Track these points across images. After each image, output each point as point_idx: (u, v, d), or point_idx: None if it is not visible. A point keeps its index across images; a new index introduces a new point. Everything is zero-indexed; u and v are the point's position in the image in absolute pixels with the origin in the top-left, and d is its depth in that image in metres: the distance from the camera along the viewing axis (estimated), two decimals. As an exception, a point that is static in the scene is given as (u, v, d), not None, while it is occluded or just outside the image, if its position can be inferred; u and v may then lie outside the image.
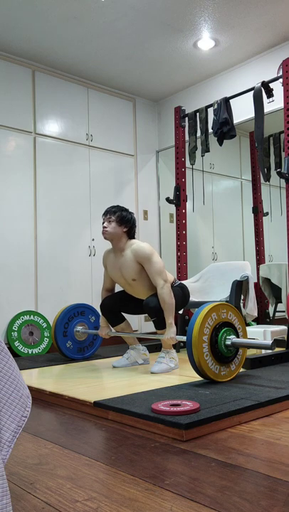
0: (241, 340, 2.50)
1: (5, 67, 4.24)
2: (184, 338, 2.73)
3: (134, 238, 3.16)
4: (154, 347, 3.92)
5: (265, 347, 2.45)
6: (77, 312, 3.58)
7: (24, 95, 4.35)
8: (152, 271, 2.98)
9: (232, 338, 2.50)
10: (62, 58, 4.37)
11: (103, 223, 3.10)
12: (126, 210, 3.13)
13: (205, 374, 2.42)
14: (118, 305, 3.26)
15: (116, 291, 3.38)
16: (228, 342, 2.48)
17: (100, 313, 3.35)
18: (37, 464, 1.51)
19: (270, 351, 3.16)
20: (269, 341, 2.46)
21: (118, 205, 3.14)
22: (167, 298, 2.92)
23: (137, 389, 2.39)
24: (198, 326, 2.41)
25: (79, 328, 3.54)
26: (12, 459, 1.56)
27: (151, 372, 2.91)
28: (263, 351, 3.21)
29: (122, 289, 3.30)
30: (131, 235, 3.14)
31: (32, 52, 4.26)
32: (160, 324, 2.99)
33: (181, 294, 3.17)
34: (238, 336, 2.57)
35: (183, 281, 4.05)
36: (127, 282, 3.13)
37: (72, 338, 3.54)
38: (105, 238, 3.11)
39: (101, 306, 3.28)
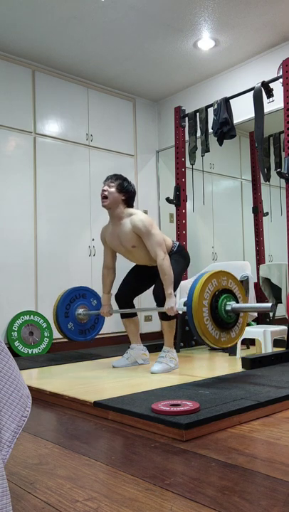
0: (241, 305, 2.53)
1: (5, 67, 4.24)
2: (184, 309, 2.75)
3: (132, 207, 3.17)
4: (154, 347, 3.92)
5: (265, 309, 2.48)
6: (78, 294, 3.56)
7: (24, 95, 4.34)
8: (152, 243, 3.00)
9: (232, 304, 2.52)
10: (62, 58, 4.37)
11: (103, 187, 3.13)
12: (127, 180, 3.17)
13: (205, 339, 2.43)
14: (132, 295, 3.31)
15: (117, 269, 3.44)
16: (228, 307, 2.50)
17: (102, 293, 3.38)
18: (37, 464, 1.51)
19: (270, 351, 3.17)
20: (269, 304, 2.48)
21: (120, 175, 3.18)
22: (167, 270, 2.95)
23: (137, 389, 2.39)
24: (198, 291, 2.43)
25: (80, 310, 3.51)
26: (12, 459, 1.56)
27: (151, 372, 2.91)
28: (263, 351, 3.21)
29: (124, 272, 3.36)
30: (129, 203, 3.16)
31: (32, 52, 4.26)
32: (166, 314, 3.01)
33: (180, 259, 3.21)
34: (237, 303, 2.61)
35: (182, 282, 4.05)
36: (127, 250, 3.16)
37: (74, 320, 3.51)
38: (103, 204, 3.11)
39: (117, 298, 3.31)
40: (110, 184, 3.11)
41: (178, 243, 3.29)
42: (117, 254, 3.35)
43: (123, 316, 3.33)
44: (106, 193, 3.09)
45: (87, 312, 3.56)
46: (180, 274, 3.21)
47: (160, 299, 3.00)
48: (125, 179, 3.16)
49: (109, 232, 3.23)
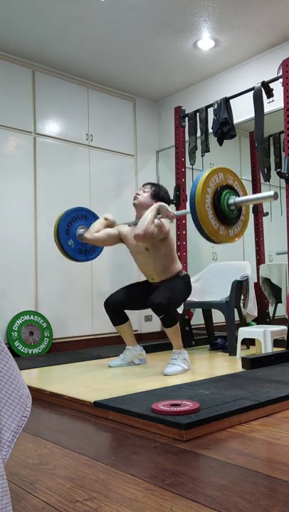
0: (242, 198, 2.60)
1: (5, 67, 4.24)
2: (184, 211, 2.89)
3: None
4: (154, 347, 3.92)
5: (268, 198, 2.53)
6: (80, 215, 3.52)
7: (24, 95, 4.34)
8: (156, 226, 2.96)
9: (234, 198, 2.59)
10: (62, 58, 4.37)
11: (138, 192, 3.22)
12: (164, 190, 3.24)
13: (204, 226, 2.49)
14: (123, 304, 3.26)
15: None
16: (231, 201, 2.57)
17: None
18: (37, 463, 1.51)
19: (270, 351, 3.17)
20: (271, 192, 2.51)
21: (158, 184, 3.28)
22: (146, 221, 2.89)
23: (137, 389, 2.39)
24: (203, 179, 2.49)
25: (81, 230, 3.47)
26: (12, 459, 1.56)
27: (164, 374, 2.84)
28: (263, 351, 3.21)
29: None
30: None
31: (32, 52, 4.26)
32: (167, 321, 2.97)
33: (183, 286, 3.17)
34: None
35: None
36: (140, 250, 3.16)
37: (74, 238, 3.49)
38: (134, 204, 3.19)
39: (105, 304, 3.27)
40: (145, 189, 3.20)
41: (187, 273, 3.27)
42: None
43: (115, 323, 3.30)
44: (138, 196, 3.17)
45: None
46: (181, 300, 3.17)
47: (155, 303, 2.91)
48: (162, 188, 3.24)
49: (127, 230, 3.27)
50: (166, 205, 3.00)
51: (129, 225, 3.31)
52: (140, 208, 3.15)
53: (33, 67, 4.43)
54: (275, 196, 2.48)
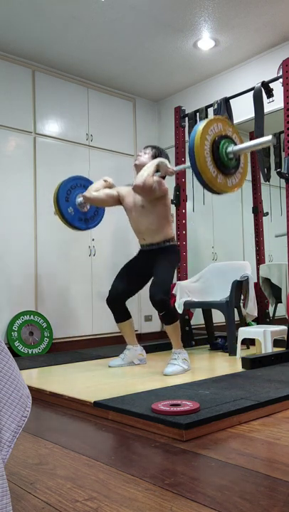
0: (241, 145, 2.66)
1: (5, 67, 4.24)
2: (184, 166, 2.97)
3: None
4: (154, 347, 3.92)
5: (267, 142, 2.59)
6: (79, 184, 3.54)
7: (24, 95, 4.34)
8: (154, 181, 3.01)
9: (233, 146, 2.64)
10: (62, 58, 4.37)
11: (138, 153, 3.28)
12: (165, 153, 3.30)
13: (203, 173, 2.52)
14: (125, 292, 3.25)
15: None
16: (230, 149, 2.61)
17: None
18: (37, 464, 1.51)
19: (270, 351, 3.16)
20: (269, 136, 2.60)
21: (157, 146, 3.34)
22: (145, 173, 2.96)
23: (137, 389, 2.39)
24: (202, 127, 2.54)
25: (80, 199, 3.49)
26: (12, 459, 1.56)
27: (164, 375, 2.84)
28: (263, 351, 3.21)
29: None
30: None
31: (32, 52, 4.26)
32: (168, 318, 2.99)
33: (174, 259, 3.20)
34: None
35: (182, 282, 4.06)
36: (136, 208, 3.20)
37: (74, 206, 3.50)
38: (135, 164, 3.25)
39: (107, 301, 3.27)
40: (146, 151, 3.25)
41: (177, 242, 3.29)
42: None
43: (118, 320, 3.31)
44: (139, 157, 3.24)
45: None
46: (173, 274, 3.19)
47: (156, 300, 2.92)
48: (162, 150, 3.29)
49: (128, 191, 3.31)
50: (166, 161, 3.08)
51: (130, 185, 3.33)
52: (139, 168, 3.19)
53: (33, 67, 4.43)
54: (274, 140, 2.57)
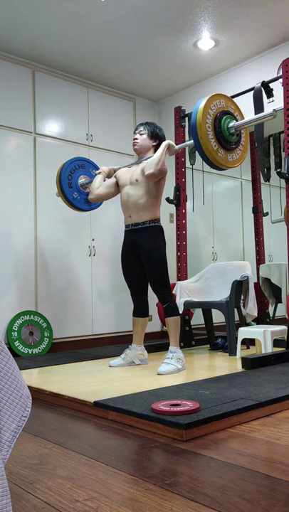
0: (242, 120, 2.74)
1: (5, 67, 4.24)
2: (186, 143, 3.13)
3: None
4: (154, 347, 3.92)
5: (268, 116, 2.66)
6: (78, 165, 3.60)
7: (24, 95, 4.34)
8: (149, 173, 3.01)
9: (234, 122, 2.72)
10: (62, 58, 4.37)
11: (134, 136, 3.25)
12: (158, 127, 3.28)
13: (204, 147, 2.56)
14: (139, 286, 3.32)
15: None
16: (231, 124, 2.70)
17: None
18: (37, 463, 1.51)
19: (270, 351, 3.16)
20: (270, 110, 2.66)
21: (153, 122, 3.29)
22: (155, 161, 2.99)
23: (136, 389, 2.39)
24: (205, 101, 2.61)
25: (82, 180, 3.55)
26: (12, 459, 1.56)
27: (158, 374, 2.86)
28: (263, 351, 3.21)
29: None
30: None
31: (32, 52, 4.26)
32: (170, 309, 3.09)
33: (162, 242, 3.21)
34: None
35: (182, 282, 4.06)
36: (131, 182, 3.19)
37: (78, 189, 3.57)
38: (134, 149, 3.25)
39: (133, 293, 3.38)
40: (141, 132, 3.22)
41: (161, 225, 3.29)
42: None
43: (133, 313, 3.37)
44: (137, 140, 3.20)
45: (89, 181, 3.61)
46: (164, 256, 3.20)
47: (160, 294, 3.11)
48: (156, 126, 3.27)
49: (125, 169, 3.32)
50: (171, 142, 3.08)
51: (129, 167, 3.33)
52: (141, 151, 3.21)
53: (33, 67, 4.43)
54: (275, 113, 2.62)
